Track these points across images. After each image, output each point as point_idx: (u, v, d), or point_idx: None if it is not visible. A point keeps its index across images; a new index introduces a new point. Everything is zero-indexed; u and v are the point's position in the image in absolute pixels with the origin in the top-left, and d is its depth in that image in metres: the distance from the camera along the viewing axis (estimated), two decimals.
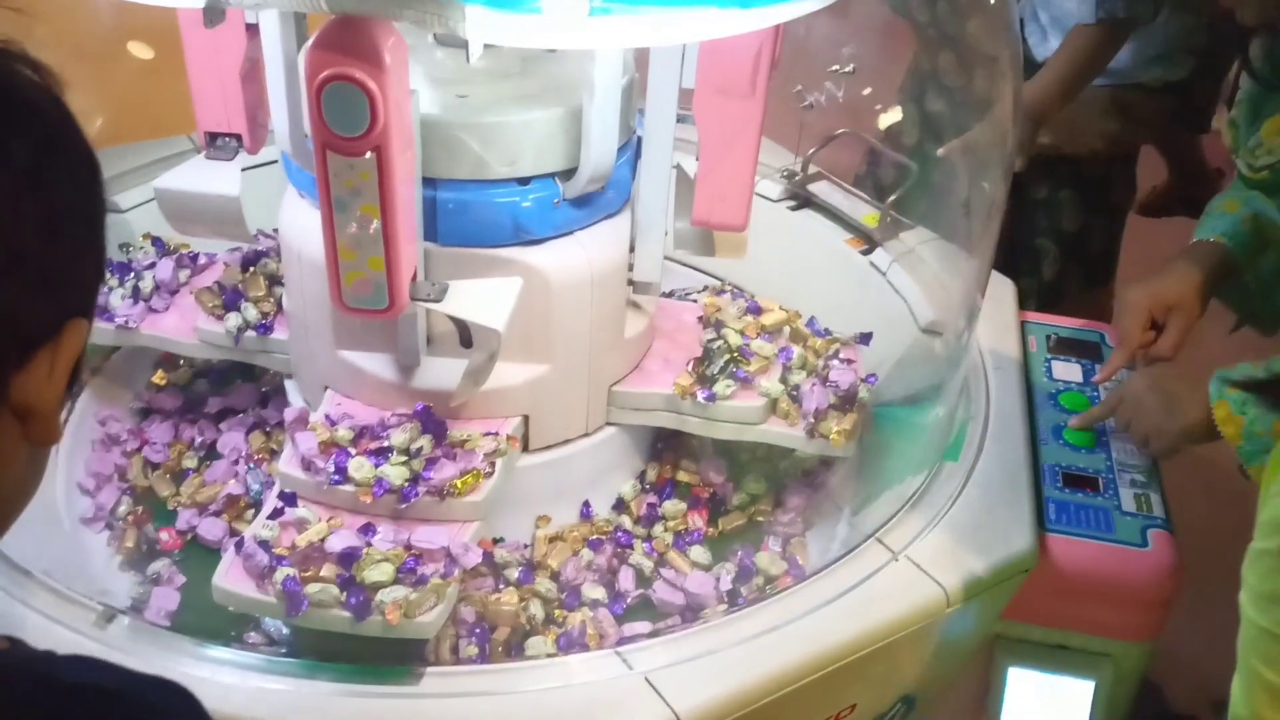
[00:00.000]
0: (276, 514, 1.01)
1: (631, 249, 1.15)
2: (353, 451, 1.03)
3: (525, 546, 1.14)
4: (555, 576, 1.11)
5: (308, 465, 1.03)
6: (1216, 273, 1.24)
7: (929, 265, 1.37)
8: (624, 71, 1.02)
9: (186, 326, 1.22)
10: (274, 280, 1.23)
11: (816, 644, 0.92)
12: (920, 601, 0.97)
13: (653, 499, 1.22)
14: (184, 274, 1.27)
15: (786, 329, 1.25)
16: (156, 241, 1.32)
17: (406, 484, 1.00)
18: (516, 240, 1.05)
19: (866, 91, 1.46)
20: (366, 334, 1.08)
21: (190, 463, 1.24)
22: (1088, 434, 1.18)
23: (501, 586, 1.09)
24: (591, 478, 1.19)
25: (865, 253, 1.45)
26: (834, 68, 1.44)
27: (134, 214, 1.41)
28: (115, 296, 1.24)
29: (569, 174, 1.05)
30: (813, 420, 1.15)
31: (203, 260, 1.30)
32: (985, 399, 1.21)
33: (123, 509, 1.19)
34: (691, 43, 1.03)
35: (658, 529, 1.19)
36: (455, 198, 1.02)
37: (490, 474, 1.03)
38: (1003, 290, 1.40)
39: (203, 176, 1.14)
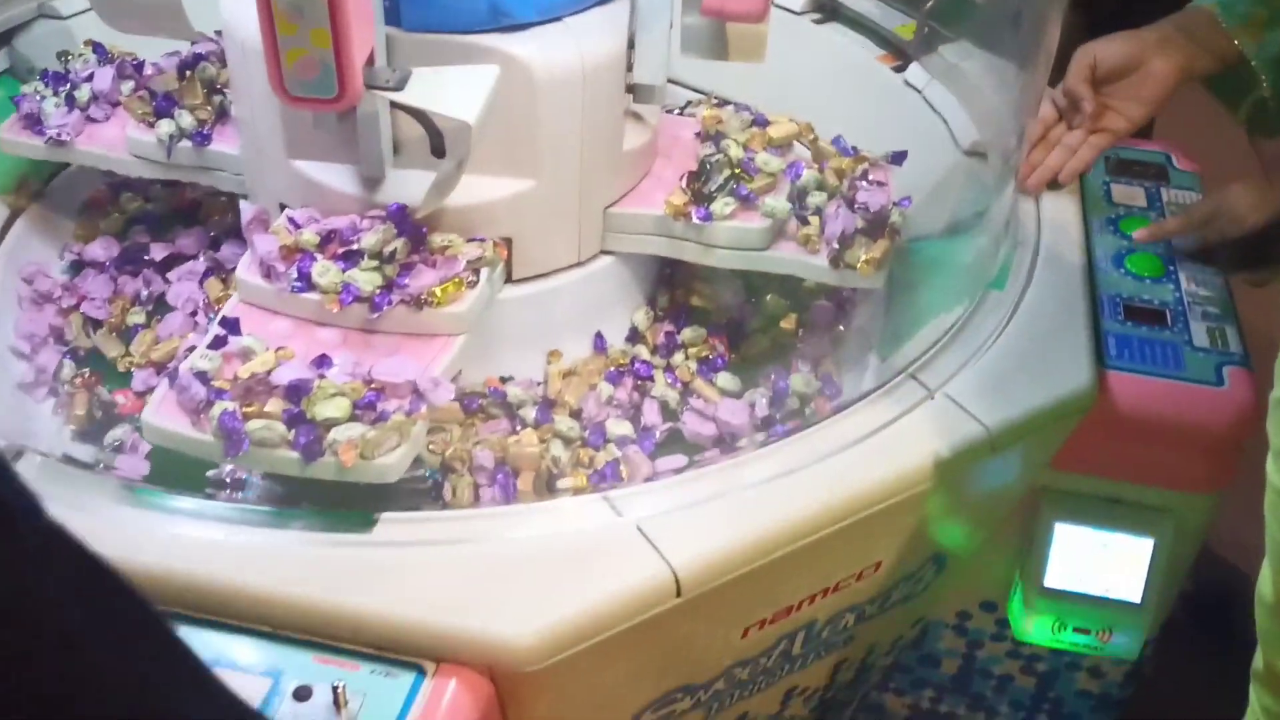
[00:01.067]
0: (218, 343, 0.87)
1: (631, 46, 0.99)
2: (319, 257, 0.89)
3: (537, 384, 1.02)
4: (576, 414, 0.99)
5: (268, 271, 0.89)
6: (1197, 40, 1.01)
7: (972, 82, 1.20)
8: None
9: (125, 141, 1.07)
10: (213, 88, 1.07)
11: (839, 489, 0.79)
12: (959, 442, 0.83)
13: (669, 327, 1.09)
14: (127, 86, 1.12)
15: (796, 145, 1.09)
16: (98, 48, 1.16)
17: (378, 291, 0.87)
18: (494, 25, 0.89)
19: None
20: (322, 140, 0.93)
21: (137, 318, 1.08)
22: (1154, 261, 1.03)
23: (519, 428, 0.97)
24: (588, 312, 1.06)
25: (899, 69, 1.28)
26: None
27: (76, 21, 1.25)
28: (48, 105, 1.09)
29: None
30: (837, 246, 1.01)
31: (149, 70, 1.14)
32: (1035, 225, 1.05)
33: (67, 372, 1.05)
34: None
35: (678, 358, 1.07)
36: None
37: (474, 283, 0.89)
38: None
39: None
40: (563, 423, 0.98)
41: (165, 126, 1.04)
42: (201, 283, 1.09)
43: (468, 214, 0.94)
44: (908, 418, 0.85)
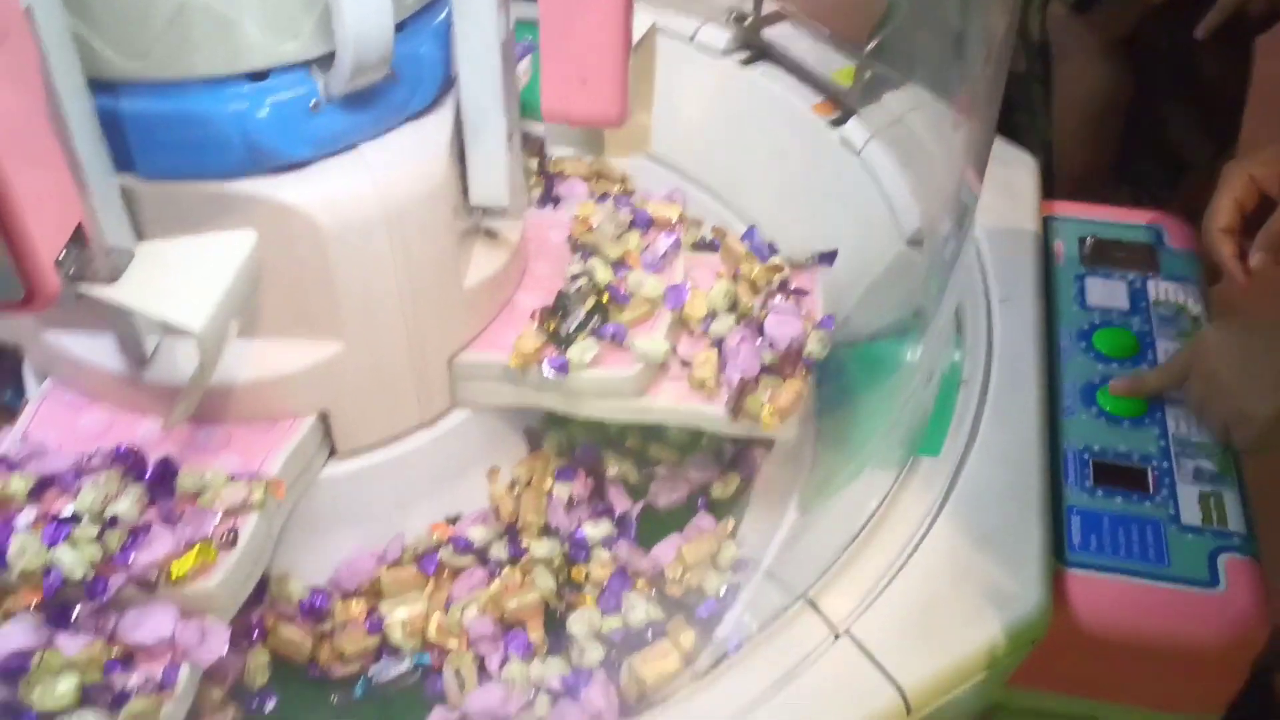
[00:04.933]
0: None
1: (464, 160, 0.79)
2: (21, 521, 0.69)
3: (488, 511, 0.87)
4: (546, 531, 0.85)
5: None
6: None
7: (917, 141, 0.99)
8: None
9: None
10: None
11: None
12: (869, 711, 0.63)
13: None
14: None
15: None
16: None
17: (92, 574, 0.66)
18: (257, 168, 0.69)
19: None
20: (69, 308, 0.74)
21: None
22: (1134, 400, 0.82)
23: (496, 571, 0.82)
24: (450, 473, 0.87)
25: (836, 123, 1.07)
26: None
27: None
28: None
29: (330, 59, 0.68)
30: (736, 391, 0.81)
31: None
32: (986, 347, 0.85)
33: None
34: None
35: None
36: (147, 109, 0.66)
37: (232, 544, 0.69)
38: (1018, 173, 1.01)
39: None
40: (539, 547, 0.82)
41: None
42: None
43: (263, 390, 0.75)
44: (811, 671, 0.65)
